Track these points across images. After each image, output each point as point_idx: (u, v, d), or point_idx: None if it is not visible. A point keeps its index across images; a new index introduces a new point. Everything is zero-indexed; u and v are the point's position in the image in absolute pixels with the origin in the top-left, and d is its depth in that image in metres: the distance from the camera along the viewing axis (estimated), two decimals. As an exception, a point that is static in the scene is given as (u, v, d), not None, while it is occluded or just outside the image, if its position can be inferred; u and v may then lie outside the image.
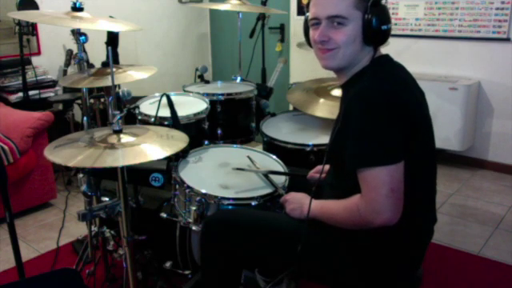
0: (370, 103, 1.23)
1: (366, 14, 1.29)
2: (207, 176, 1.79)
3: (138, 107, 2.23)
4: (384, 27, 1.29)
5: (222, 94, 2.55)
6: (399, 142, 1.22)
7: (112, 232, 2.07)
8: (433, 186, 1.41)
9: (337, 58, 1.35)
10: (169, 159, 1.70)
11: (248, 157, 1.90)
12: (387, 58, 1.40)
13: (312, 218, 1.41)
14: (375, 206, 1.22)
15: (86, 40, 1.94)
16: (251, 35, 3.26)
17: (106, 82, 1.81)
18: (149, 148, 1.46)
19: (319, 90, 2.38)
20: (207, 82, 2.89)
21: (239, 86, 2.78)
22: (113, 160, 1.38)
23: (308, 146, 2.08)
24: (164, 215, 1.85)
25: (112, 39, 2.00)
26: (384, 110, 1.22)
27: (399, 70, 1.37)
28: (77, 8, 1.89)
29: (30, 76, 3.41)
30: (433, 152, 1.38)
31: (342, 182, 1.38)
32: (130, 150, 1.44)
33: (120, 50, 2.12)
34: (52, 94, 3.53)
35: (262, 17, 3.22)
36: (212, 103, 2.47)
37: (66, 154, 1.42)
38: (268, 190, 1.68)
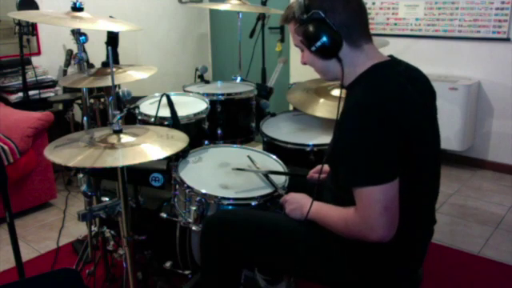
0: (362, 121, 1.21)
1: (303, 40, 1.32)
2: (207, 176, 1.79)
3: (137, 107, 2.23)
4: (317, 45, 1.28)
5: (222, 94, 2.55)
6: (393, 159, 1.21)
7: (112, 232, 2.07)
8: (433, 193, 1.40)
9: (318, 73, 1.44)
10: (169, 159, 1.70)
11: (248, 157, 1.90)
12: (386, 64, 1.35)
13: (310, 220, 1.42)
14: (369, 224, 1.22)
15: (86, 40, 1.94)
16: (251, 35, 3.26)
17: (106, 81, 1.81)
18: (149, 148, 1.46)
19: (319, 89, 2.38)
20: (207, 81, 2.89)
21: (239, 86, 2.78)
22: (113, 160, 1.38)
23: (308, 145, 2.08)
24: (164, 215, 1.85)
25: (112, 39, 2.00)
26: (375, 128, 1.20)
27: (397, 78, 1.32)
28: (77, 8, 1.89)
29: (30, 76, 3.41)
30: (434, 159, 1.36)
31: (340, 191, 1.37)
32: (130, 150, 1.45)
33: (120, 49, 2.12)
34: (52, 94, 3.53)
35: (262, 17, 3.21)
36: (212, 103, 2.47)
37: (66, 153, 1.42)
38: (268, 190, 1.68)
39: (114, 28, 1.93)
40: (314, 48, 1.29)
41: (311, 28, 1.28)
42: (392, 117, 1.21)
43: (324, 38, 1.27)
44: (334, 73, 1.38)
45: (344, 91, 1.42)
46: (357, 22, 1.32)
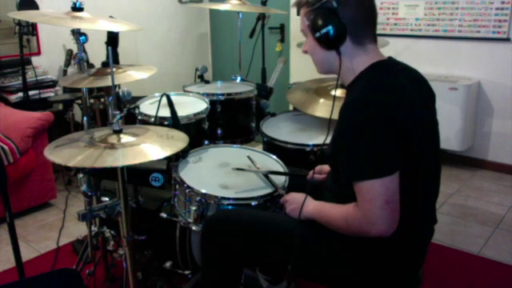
0: (362, 116, 1.23)
1: (309, 24, 1.34)
2: (207, 176, 1.79)
3: (137, 107, 2.23)
4: (321, 32, 1.30)
5: (222, 94, 2.55)
6: (392, 153, 1.22)
7: (112, 232, 2.07)
8: (434, 192, 1.41)
9: (315, 64, 1.44)
10: (169, 159, 1.70)
11: (248, 157, 1.90)
12: (385, 63, 1.37)
13: (310, 219, 1.42)
14: (370, 218, 1.22)
15: (86, 40, 1.94)
16: (251, 35, 3.26)
17: (106, 81, 1.81)
18: (149, 148, 1.46)
19: (319, 89, 2.38)
20: (207, 81, 2.89)
21: (239, 86, 2.78)
22: (113, 160, 1.38)
23: (308, 146, 2.08)
24: (164, 215, 1.85)
25: (112, 39, 2.00)
26: (375, 122, 1.21)
27: (397, 76, 1.33)
28: (77, 8, 1.88)
29: (30, 76, 3.41)
30: (434, 158, 1.36)
31: (341, 189, 1.38)
32: (130, 150, 1.45)
33: (120, 50, 2.12)
34: (52, 94, 3.53)
35: (262, 17, 3.22)
36: (212, 103, 2.47)
37: (66, 153, 1.42)
38: (268, 190, 1.68)
39: (114, 28, 1.93)
40: (318, 34, 1.31)
41: (320, 15, 1.30)
42: (391, 112, 1.22)
43: (330, 27, 1.29)
44: (330, 65, 1.39)
45: (341, 91, 1.43)
46: (365, 22, 1.34)
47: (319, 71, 1.46)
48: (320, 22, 1.30)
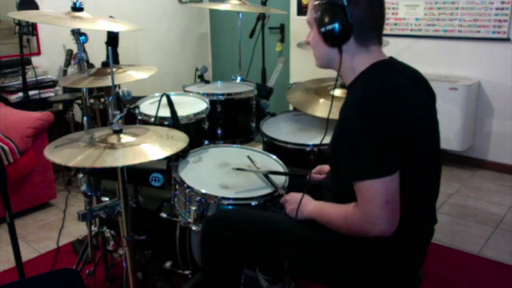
0: (362, 116, 1.23)
1: (316, 18, 1.33)
2: (207, 176, 1.79)
3: (138, 107, 2.23)
4: (327, 28, 1.30)
5: (222, 94, 2.55)
6: (393, 153, 1.22)
7: (112, 232, 2.07)
8: (434, 192, 1.41)
9: (315, 57, 1.44)
10: (169, 159, 1.70)
11: (248, 157, 1.90)
12: (386, 63, 1.37)
13: (311, 219, 1.42)
14: (370, 217, 1.22)
15: (86, 40, 1.94)
16: (251, 35, 3.26)
17: (106, 81, 1.81)
18: (149, 148, 1.46)
19: (319, 89, 2.38)
20: (207, 81, 2.89)
21: (239, 86, 2.78)
22: (113, 160, 1.38)
23: (308, 146, 2.08)
24: (164, 215, 1.85)
25: (112, 39, 2.00)
26: (375, 122, 1.21)
27: (397, 76, 1.33)
28: (77, 8, 1.89)
29: (30, 76, 3.41)
30: (434, 158, 1.36)
31: (340, 189, 1.38)
32: (130, 150, 1.45)
33: (120, 50, 2.12)
34: (52, 94, 3.53)
35: (262, 17, 3.22)
36: (212, 103, 2.47)
37: (66, 153, 1.42)
38: (268, 190, 1.68)
39: (114, 28, 1.93)
40: (323, 29, 1.31)
41: (329, 10, 1.30)
42: (391, 112, 1.22)
43: (336, 24, 1.28)
44: (330, 62, 1.39)
45: (341, 91, 1.42)
46: (372, 25, 1.34)
47: (318, 65, 1.46)
48: (327, 18, 1.29)
